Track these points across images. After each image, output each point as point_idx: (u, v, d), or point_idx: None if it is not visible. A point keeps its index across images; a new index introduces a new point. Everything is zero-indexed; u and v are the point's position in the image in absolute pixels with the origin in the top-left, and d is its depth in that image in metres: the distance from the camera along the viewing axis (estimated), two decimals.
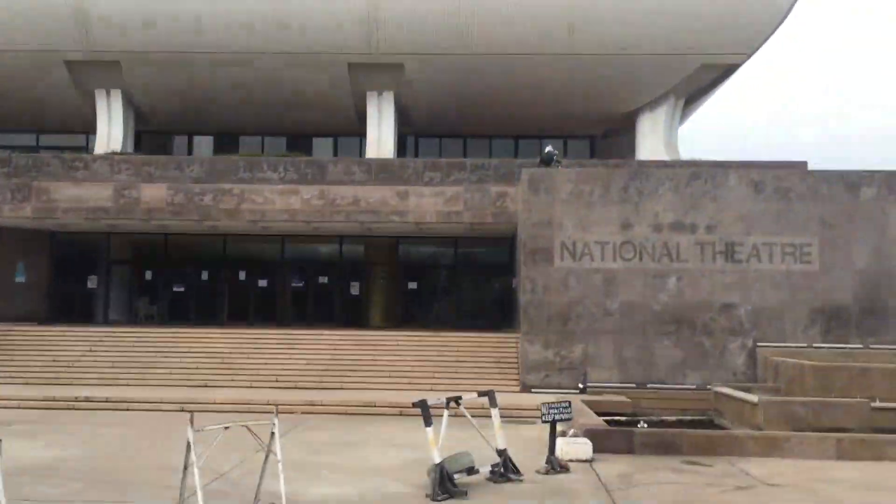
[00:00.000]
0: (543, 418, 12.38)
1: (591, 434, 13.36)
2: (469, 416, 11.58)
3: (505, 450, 11.59)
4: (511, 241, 26.18)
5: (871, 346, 19.93)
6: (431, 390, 20.78)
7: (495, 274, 28.85)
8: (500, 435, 11.70)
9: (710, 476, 11.87)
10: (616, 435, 13.83)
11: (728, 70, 29.85)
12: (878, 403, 15.32)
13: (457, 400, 11.61)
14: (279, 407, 19.38)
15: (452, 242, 28.69)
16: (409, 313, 29.69)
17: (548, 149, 22.77)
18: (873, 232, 20.44)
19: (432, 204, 24.69)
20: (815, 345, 20.09)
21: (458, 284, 29.43)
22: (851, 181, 20.73)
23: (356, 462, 12.82)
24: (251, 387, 21.44)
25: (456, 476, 10.76)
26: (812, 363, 17.54)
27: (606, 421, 15.86)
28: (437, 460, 10.59)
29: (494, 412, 11.91)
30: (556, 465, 12.04)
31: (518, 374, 21.57)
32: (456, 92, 31.15)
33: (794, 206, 20.63)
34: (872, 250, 20.40)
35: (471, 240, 28.33)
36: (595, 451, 12.93)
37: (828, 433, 13.75)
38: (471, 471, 11.05)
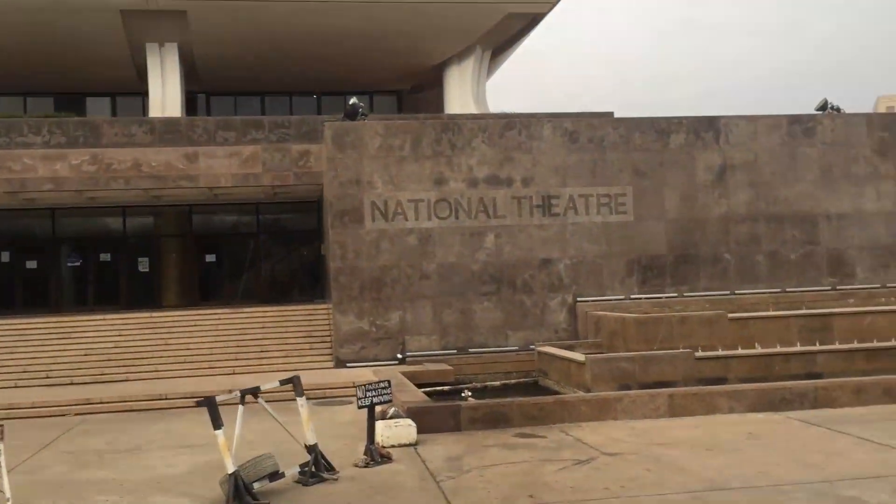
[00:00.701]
0: (360, 403, 10.67)
1: (414, 413, 11.85)
2: (271, 411, 9.65)
3: (315, 444, 9.78)
4: (318, 204, 24.10)
5: (685, 294, 19.92)
6: (234, 374, 18.60)
7: (303, 241, 26.62)
8: (308, 429, 9.85)
9: (545, 450, 10.70)
10: (441, 412, 12.40)
11: (534, 19, 29.23)
12: (700, 353, 14.98)
13: (255, 392, 9.64)
14: (50, 408, 17.04)
15: (254, 209, 26.12)
16: (209, 289, 26.90)
17: (352, 101, 20.78)
18: (683, 179, 20.36)
19: (226, 166, 22.05)
20: (632, 296, 19.80)
21: (263, 254, 26.94)
22: (661, 128, 20.49)
23: (136, 473, 10.50)
24: (16, 386, 18.15)
25: (256, 485, 8.85)
26: (634, 316, 17.07)
27: (428, 393, 14.48)
28: (231, 469, 8.61)
29: (301, 402, 10.04)
30: (375, 456, 10.39)
31: (331, 348, 19.75)
32: (249, 44, 28.41)
33: (607, 155, 20.09)
34: (683, 198, 20.33)
35: (274, 205, 25.91)
36: (420, 431, 11.44)
37: (659, 389, 13.10)
38: (274, 476, 9.16)
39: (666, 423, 12.09)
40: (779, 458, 9.64)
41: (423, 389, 14.60)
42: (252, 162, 22.15)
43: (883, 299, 19.10)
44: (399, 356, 18.82)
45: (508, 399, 13.69)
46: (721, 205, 20.34)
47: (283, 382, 10.38)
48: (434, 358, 18.85)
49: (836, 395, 12.57)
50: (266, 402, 9.81)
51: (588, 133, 20.09)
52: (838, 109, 21.85)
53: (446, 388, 16.68)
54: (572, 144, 19.98)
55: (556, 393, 15.41)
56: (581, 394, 13.86)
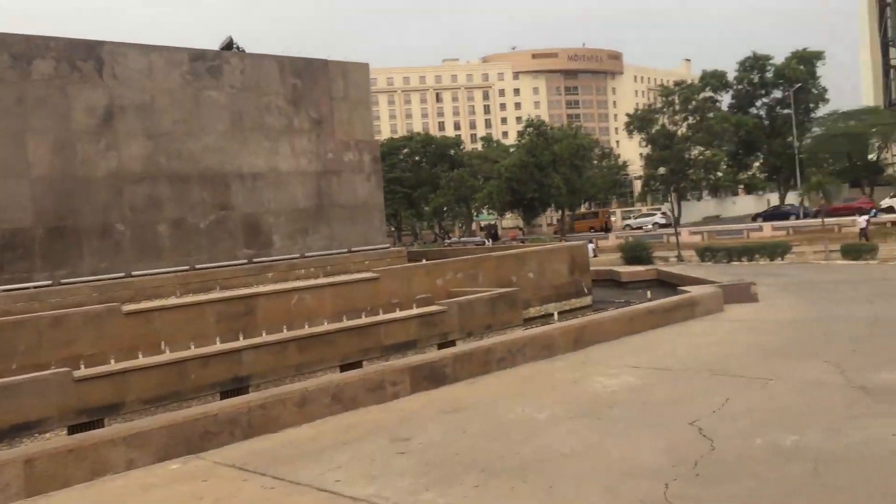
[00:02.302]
0: None
1: None
2: None
3: None
4: None
5: (64, 280, 14.64)
6: None
7: None
8: None
9: None
10: None
11: None
12: (83, 371, 10.16)
13: None
14: None
15: None
16: None
17: None
18: (55, 122, 14.87)
19: None
20: None
21: None
22: (20, 51, 14.62)
23: None
24: None
25: None
26: None
27: None
28: None
29: None
30: None
31: None
32: None
33: None
34: (55, 148, 14.88)
35: None
36: None
37: (10, 452, 7.89)
38: None
39: None
40: None
41: None
42: None
43: (303, 271, 16.72)
44: None
45: None
46: (110, 159, 15.47)
47: None
48: None
49: (278, 414, 9.09)
50: None
51: None
52: (244, 52, 18.80)
53: None
54: None
55: None
56: None
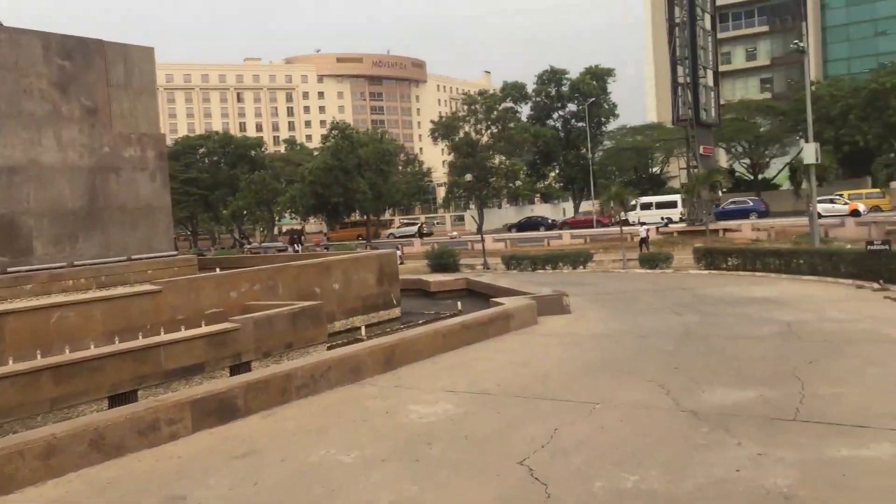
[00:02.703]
0: None
1: None
2: None
3: None
4: None
5: None
6: None
7: None
8: None
9: None
10: None
11: None
12: None
13: None
14: None
15: None
16: None
17: None
18: None
19: None
20: None
21: None
22: None
23: None
24: None
25: None
26: None
27: None
28: None
29: None
30: None
31: None
32: None
33: None
34: None
35: None
36: None
37: None
38: None
39: None
40: None
41: None
42: None
43: (71, 283, 14.38)
44: None
45: None
46: None
47: None
48: None
49: (13, 471, 7.16)
50: None
51: None
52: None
53: None
54: None
55: None
56: None
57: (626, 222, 55.37)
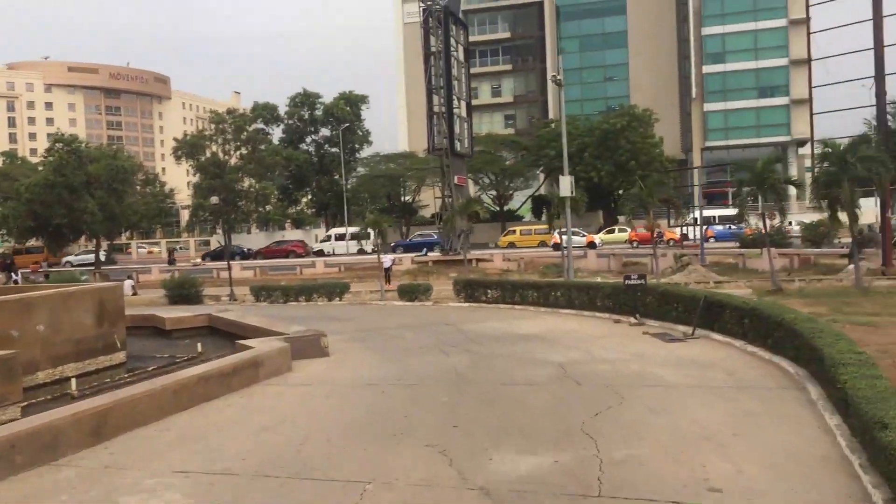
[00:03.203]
0: None
1: None
2: None
3: None
4: None
5: None
6: None
7: None
8: None
9: None
10: None
11: None
12: None
13: None
14: None
15: None
16: None
17: None
18: None
19: None
20: None
21: None
22: None
23: None
24: None
25: None
26: None
27: None
28: None
29: None
30: None
31: None
32: None
33: None
34: None
35: None
36: None
37: None
38: None
39: None
40: None
41: None
42: None
43: None
44: None
45: None
46: None
47: None
48: None
49: None
50: None
51: None
52: None
53: None
54: None
55: None
56: None
57: (321, 252, 55.32)
